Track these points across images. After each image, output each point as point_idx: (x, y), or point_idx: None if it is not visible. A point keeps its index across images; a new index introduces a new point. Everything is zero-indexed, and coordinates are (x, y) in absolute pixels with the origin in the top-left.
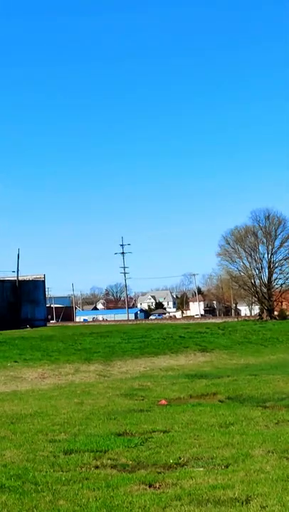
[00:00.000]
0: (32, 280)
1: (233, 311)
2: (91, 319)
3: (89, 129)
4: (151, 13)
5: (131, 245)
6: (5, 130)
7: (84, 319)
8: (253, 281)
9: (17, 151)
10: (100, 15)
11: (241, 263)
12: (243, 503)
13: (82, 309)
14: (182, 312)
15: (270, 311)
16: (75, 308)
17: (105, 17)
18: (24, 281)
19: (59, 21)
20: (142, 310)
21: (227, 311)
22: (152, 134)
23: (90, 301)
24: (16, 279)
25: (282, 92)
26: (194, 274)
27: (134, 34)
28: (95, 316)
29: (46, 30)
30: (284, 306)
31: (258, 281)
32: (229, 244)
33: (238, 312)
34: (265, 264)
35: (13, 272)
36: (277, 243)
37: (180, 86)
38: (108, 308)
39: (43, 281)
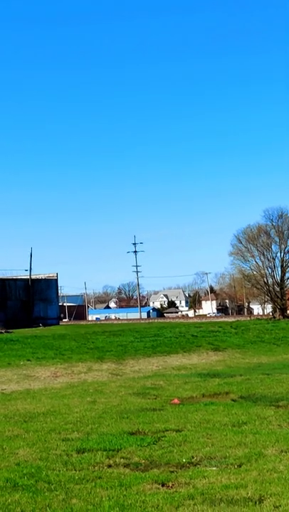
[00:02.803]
0: (45, 279)
1: (245, 309)
2: (103, 318)
3: (102, 130)
4: (152, 16)
5: (143, 244)
6: (19, 134)
7: (96, 318)
8: (265, 280)
9: (30, 152)
10: (101, 19)
11: (254, 262)
12: (256, 502)
13: (95, 308)
14: (195, 311)
15: (283, 310)
16: (88, 306)
17: (107, 21)
18: (37, 279)
19: (59, 27)
20: (154, 309)
21: (239, 310)
22: (165, 135)
23: (102, 300)
24: (28, 277)
25: None
26: (207, 273)
27: (135, 38)
28: (108, 315)
29: (46, 36)
30: None
31: (270, 280)
32: (242, 243)
33: (250, 311)
34: (277, 263)
35: (26, 270)
36: None
37: (199, 86)
38: (120, 306)
39: (56, 280)
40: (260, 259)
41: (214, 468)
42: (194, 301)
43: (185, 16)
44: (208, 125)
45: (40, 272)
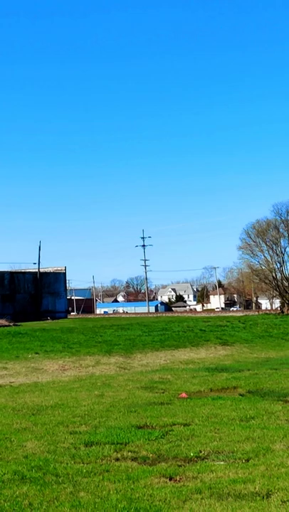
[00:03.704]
0: (53, 272)
1: (253, 304)
2: (111, 311)
3: (111, 125)
4: (152, 12)
5: (152, 238)
6: (27, 129)
7: (104, 311)
8: (274, 274)
9: (39, 146)
10: (99, 14)
11: (262, 256)
12: (263, 497)
13: (103, 301)
14: (203, 305)
15: None
16: (96, 300)
17: (106, 16)
18: (45, 273)
19: (57, 21)
20: (162, 303)
21: (248, 305)
22: (174, 130)
23: (110, 294)
24: (37, 271)
25: None
26: (215, 267)
27: (135, 33)
28: (116, 309)
29: (45, 30)
30: None
31: (279, 275)
32: (250, 237)
33: (258, 306)
34: (286, 257)
35: (35, 264)
36: None
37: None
38: (128, 300)
39: (64, 274)
40: (269, 253)
41: (222, 463)
42: (202, 296)
43: (185, 9)
44: (218, 119)
45: (48, 266)
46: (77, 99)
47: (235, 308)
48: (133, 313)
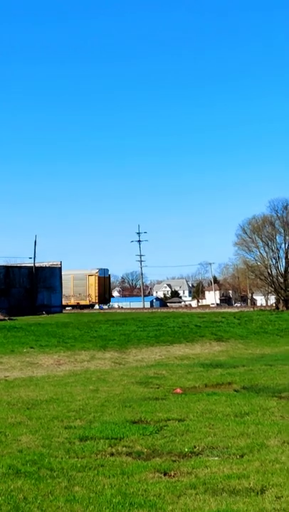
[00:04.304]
0: (48, 267)
1: (249, 300)
2: (106, 307)
3: (105, 121)
4: (150, 8)
5: (147, 233)
6: (21, 124)
7: (100, 306)
8: (269, 271)
9: (34, 141)
10: (99, 14)
11: (258, 253)
12: (258, 493)
13: None
14: (198, 301)
15: (287, 301)
16: None
17: (104, 14)
18: (41, 267)
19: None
20: (157, 298)
21: (243, 301)
22: (169, 126)
23: None
24: (32, 265)
25: None
26: (210, 263)
27: (134, 30)
28: (111, 304)
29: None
30: None
31: (274, 271)
32: (246, 233)
33: (253, 302)
34: (282, 254)
35: (30, 258)
36: None
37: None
38: (124, 296)
39: (60, 268)
40: (265, 250)
41: (216, 458)
42: (198, 291)
43: (184, 7)
44: (213, 117)
45: (44, 261)
46: (72, 96)
47: (238, 304)
48: (128, 309)
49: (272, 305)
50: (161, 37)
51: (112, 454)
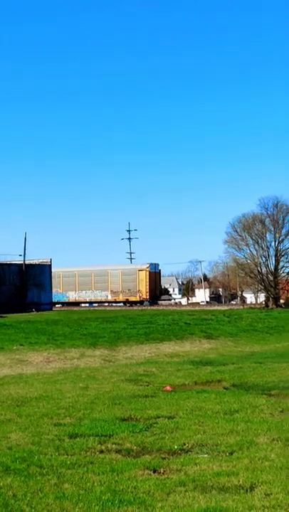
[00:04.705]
0: (38, 264)
1: (238, 298)
2: (96, 304)
3: (95, 117)
4: (149, 4)
5: (138, 231)
6: (10, 119)
7: (90, 304)
8: (259, 269)
9: (23, 138)
10: (99, 10)
11: (248, 251)
12: (247, 490)
13: None
14: (188, 299)
15: (276, 299)
16: None
17: (105, 10)
18: (31, 265)
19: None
20: None
21: (233, 299)
22: (160, 124)
23: None
24: (22, 262)
25: None
26: (200, 261)
27: (133, 26)
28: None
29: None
30: None
31: (264, 269)
32: (236, 231)
33: (243, 300)
34: (272, 252)
35: (20, 255)
36: (284, 231)
37: (184, 76)
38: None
39: (50, 266)
40: (255, 248)
41: (206, 456)
42: (187, 289)
43: (184, 4)
44: (206, 115)
45: (34, 258)
46: (62, 93)
47: (234, 302)
48: (118, 306)
49: (261, 303)
50: (161, 34)
51: (101, 452)
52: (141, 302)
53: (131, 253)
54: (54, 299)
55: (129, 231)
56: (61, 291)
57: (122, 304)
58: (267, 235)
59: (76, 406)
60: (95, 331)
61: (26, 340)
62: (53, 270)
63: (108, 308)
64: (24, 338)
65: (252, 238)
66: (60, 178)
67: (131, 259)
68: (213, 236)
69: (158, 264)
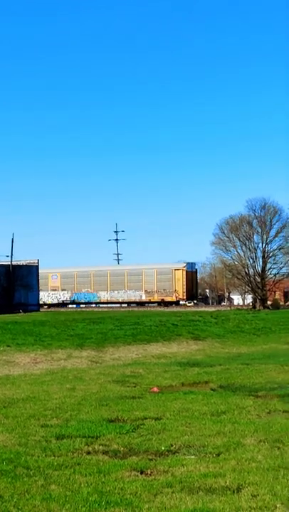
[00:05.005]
0: (26, 265)
1: (226, 299)
2: (83, 305)
3: (82, 117)
4: (150, 6)
5: (125, 232)
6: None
7: (76, 305)
8: (246, 270)
9: (10, 139)
10: (100, 7)
11: (235, 252)
12: (234, 491)
13: None
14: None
15: (263, 301)
16: None
17: (105, 8)
18: (18, 266)
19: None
20: None
21: (220, 300)
22: (146, 124)
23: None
24: (9, 263)
25: (280, 84)
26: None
27: (133, 27)
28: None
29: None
30: (277, 296)
31: (251, 271)
32: (224, 233)
33: (230, 301)
34: (259, 253)
35: (8, 256)
36: (272, 233)
37: (174, 78)
38: None
39: (37, 267)
40: (242, 249)
41: (193, 457)
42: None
43: (182, 3)
44: (190, 115)
45: (21, 259)
46: (48, 91)
47: (225, 303)
48: (105, 307)
49: (249, 304)
50: (160, 34)
51: (88, 453)
52: (177, 302)
53: (118, 254)
54: (84, 299)
55: (116, 232)
56: (92, 290)
57: (156, 304)
58: (254, 237)
59: (63, 407)
60: (82, 332)
61: (13, 341)
62: (83, 269)
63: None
64: (11, 339)
65: (239, 240)
66: (45, 178)
67: (118, 260)
68: (201, 237)
69: (195, 264)
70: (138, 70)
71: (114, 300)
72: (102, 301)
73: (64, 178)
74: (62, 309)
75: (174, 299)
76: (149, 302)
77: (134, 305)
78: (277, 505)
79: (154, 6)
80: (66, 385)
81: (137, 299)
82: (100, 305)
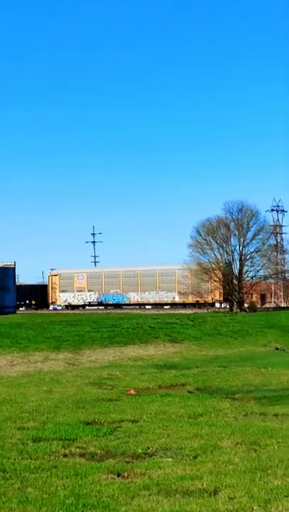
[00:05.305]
0: (2, 267)
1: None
2: (60, 308)
3: (82, 117)
4: (150, 6)
5: (102, 234)
6: None
7: (53, 308)
8: (223, 273)
9: None
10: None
11: (212, 255)
12: (211, 494)
13: None
14: None
15: (241, 304)
16: None
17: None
18: None
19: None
20: None
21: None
22: (127, 123)
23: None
24: None
25: (280, 84)
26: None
27: (133, 23)
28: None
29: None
30: (254, 299)
31: (228, 273)
32: (201, 235)
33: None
34: (236, 256)
35: None
36: (249, 236)
37: (163, 79)
38: None
39: (13, 269)
40: (219, 252)
41: (170, 460)
42: None
43: (181, 2)
44: (190, 115)
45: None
46: (28, 90)
47: (218, 305)
48: (137, 309)
49: (226, 307)
50: (161, 34)
51: (65, 455)
52: (212, 304)
53: (95, 256)
54: (112, 300)
55: (93, 234)
56: (121, 291)
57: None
58: (231, 239)
59: (40, 410)
60: (59, 334)
61: None
62: (111, 269)
63: (73, 312)
64: None
65: (216, 242)
66: (22, 179)
67: (95, 262)
68: (178, 240)
69: None
70: (138, 70)
71: (145, 302)
72: (131, 302)
73: (64, 178)
74: (40, 312)
75: (210, 300)
76: (183, 304)
77: (168, 307)
78: (254, 508)
79: (153, 6)
80: (43, 387)
81: (170, 301)
82: (130, 306)
